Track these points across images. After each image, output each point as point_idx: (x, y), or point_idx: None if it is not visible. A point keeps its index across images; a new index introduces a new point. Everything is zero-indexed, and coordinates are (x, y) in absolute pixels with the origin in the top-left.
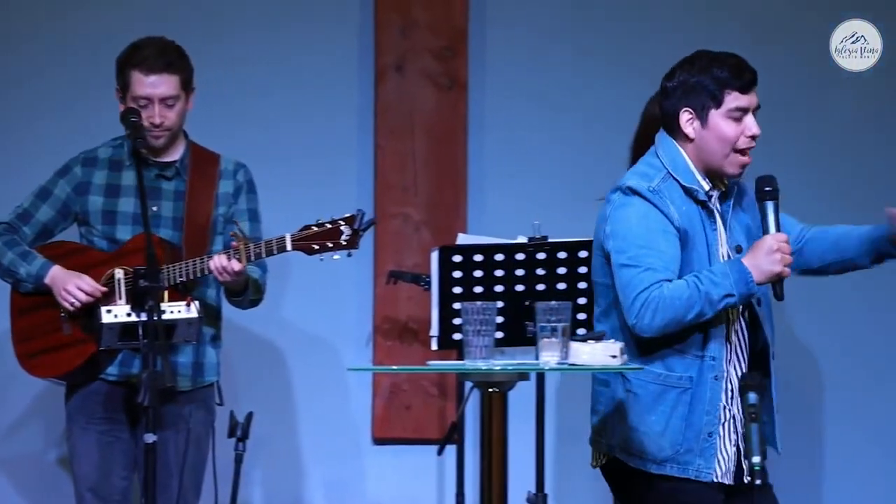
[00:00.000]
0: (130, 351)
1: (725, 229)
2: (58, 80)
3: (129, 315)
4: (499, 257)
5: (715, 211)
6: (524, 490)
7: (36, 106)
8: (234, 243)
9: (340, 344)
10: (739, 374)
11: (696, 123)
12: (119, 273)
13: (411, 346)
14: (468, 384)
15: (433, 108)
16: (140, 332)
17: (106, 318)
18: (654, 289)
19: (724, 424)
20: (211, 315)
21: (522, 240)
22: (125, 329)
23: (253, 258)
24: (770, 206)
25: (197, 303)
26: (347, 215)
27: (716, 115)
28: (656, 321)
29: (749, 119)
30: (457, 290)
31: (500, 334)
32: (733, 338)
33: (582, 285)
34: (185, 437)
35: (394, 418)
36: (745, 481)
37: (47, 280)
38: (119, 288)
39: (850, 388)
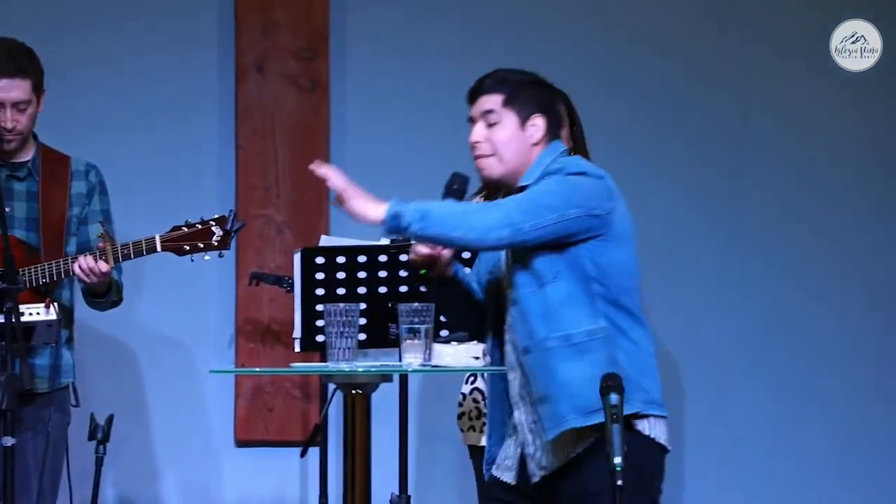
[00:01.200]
0: None
1: None
2: None
3: None
4: (361, 259)
5: None
6: (388, 491)
7: None
8: (100, 244)
9: (202, 346)
10: (516, 373)
11: None
12: None
13: (274, 348)
14: (331, 386)
15: (294, 109)
16: None
17: None
18: None
19: (510, 416)
20: (65, 317)
21: (385, 242)
22: None
23: (121, 259)
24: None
25: (56, 304)
26: (218, 216)
27: None
28: None
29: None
30: (319, 291)
31: (363, 336)
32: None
33: None
34: (45, 439)
35: (256, 420)
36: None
37: None
38: None
39: (707, 390)
